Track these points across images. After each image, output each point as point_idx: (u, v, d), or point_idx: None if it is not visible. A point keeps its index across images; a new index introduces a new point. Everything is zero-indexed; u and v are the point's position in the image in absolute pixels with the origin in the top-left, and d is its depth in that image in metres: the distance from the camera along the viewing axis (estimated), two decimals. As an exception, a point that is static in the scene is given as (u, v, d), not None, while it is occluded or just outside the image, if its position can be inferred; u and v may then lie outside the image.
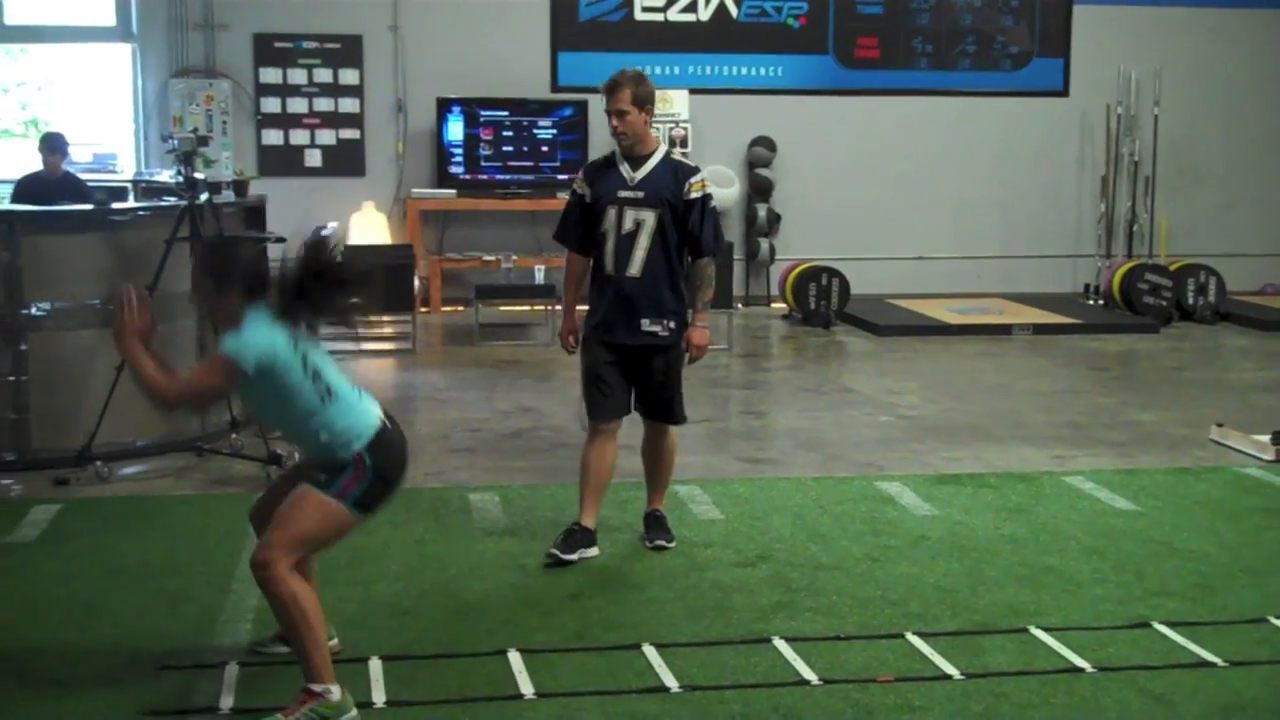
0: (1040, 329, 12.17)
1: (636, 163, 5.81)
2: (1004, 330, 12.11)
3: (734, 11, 13.60)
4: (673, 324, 5.81)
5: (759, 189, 13.60)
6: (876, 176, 13.95)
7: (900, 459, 7.66)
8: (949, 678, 4.63)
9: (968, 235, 14.22)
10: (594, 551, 5.85)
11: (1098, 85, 14.08)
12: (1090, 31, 14.18)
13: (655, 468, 6.12)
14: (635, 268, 5.78)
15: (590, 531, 5.88)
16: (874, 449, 7.89)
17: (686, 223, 5.78)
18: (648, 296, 5.78)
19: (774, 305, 13.56)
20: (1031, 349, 11.49)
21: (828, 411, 8.94)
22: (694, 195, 5.77)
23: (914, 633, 5.01)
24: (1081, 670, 4.71)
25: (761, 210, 13.58)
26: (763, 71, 13.73)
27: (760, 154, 13.60)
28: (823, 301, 12.50)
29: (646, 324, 5.79)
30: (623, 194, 5.78)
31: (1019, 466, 7.50)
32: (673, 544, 5.96)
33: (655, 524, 6.07)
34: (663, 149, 5.88)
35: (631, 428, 6.10)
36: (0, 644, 4.54)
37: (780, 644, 4.90)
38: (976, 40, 14.05)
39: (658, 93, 12.76)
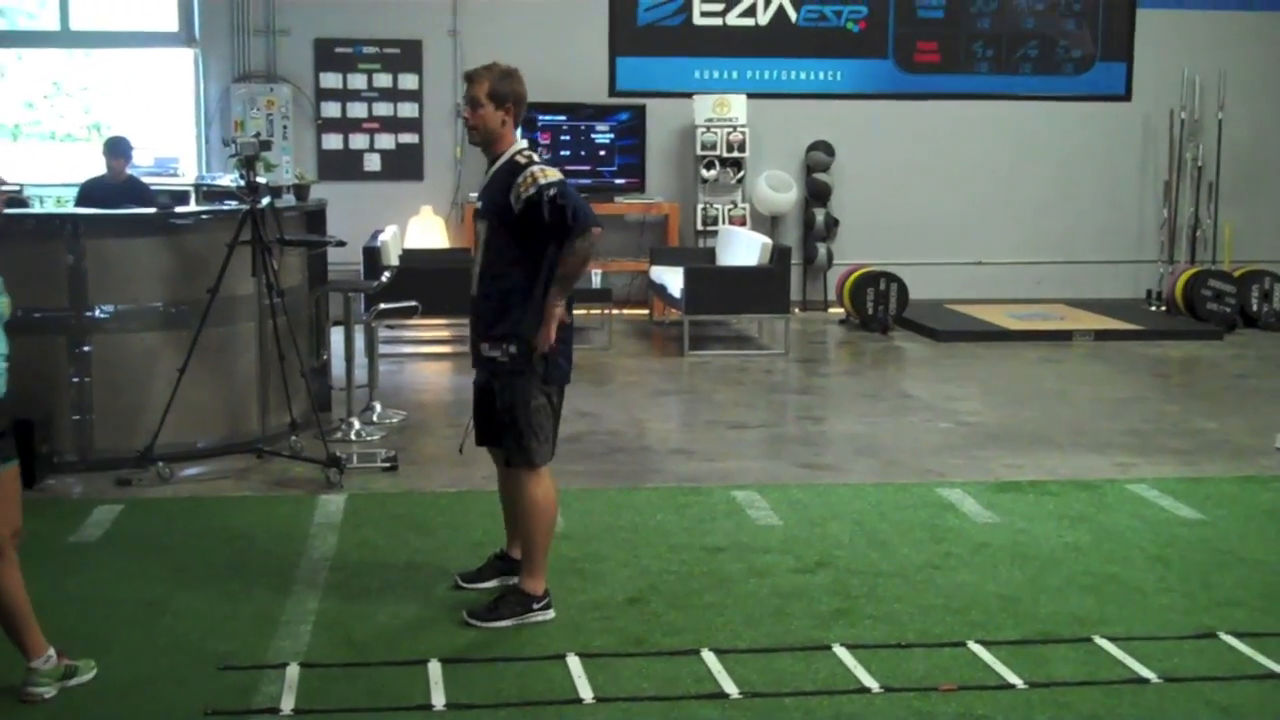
0: (1102, 335, 12.05)
1: (490, 168, 5.18)
2: (1065, 336, 12.00)
3: (793, 15, 13.55)
4: (513, 348, 5.04)
5: (817, 193, 13.54)
6: (935, 181, 13.86)
7: (960, 465, 7.60)
8: (1012, 687, 4.58)
9: (1028, 240, 14.10)
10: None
11: (1161, 90, 13.92)
12: (1153, 35, 14.03)
13: (515, 511, 5.34)
14: (474, 284, 5.19)
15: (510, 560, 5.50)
16: (934, 455, 7.83)
17: (541, 225, 4.99)
18: (483, 317, 5.14)
19: (831, 310, 13.50)
20: (1093, 355, 11.37)
21: (886, 417, 8.88)
22: (526, 193, 4.95)
23: (976, 641, 4.97)
24: (1147, 681, 4.65)
25: (819, 215, 13.52)
26: (821, 76, 13.67)
27: (818, 158, 13.54)
28: (881, 306, 12.44)
29: (486, 348, 5.12)
30: (478, 204, 5.25)
31: (1081, 474, 7.42)
32: (481, 624, 5.07)
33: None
34: (510, 150, 5.12)
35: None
36: (64, 643, 4.58)
37: (840, 651, 4.86)
38: (1038, 44, 13.92)
39: (716, 97, 13.15)
